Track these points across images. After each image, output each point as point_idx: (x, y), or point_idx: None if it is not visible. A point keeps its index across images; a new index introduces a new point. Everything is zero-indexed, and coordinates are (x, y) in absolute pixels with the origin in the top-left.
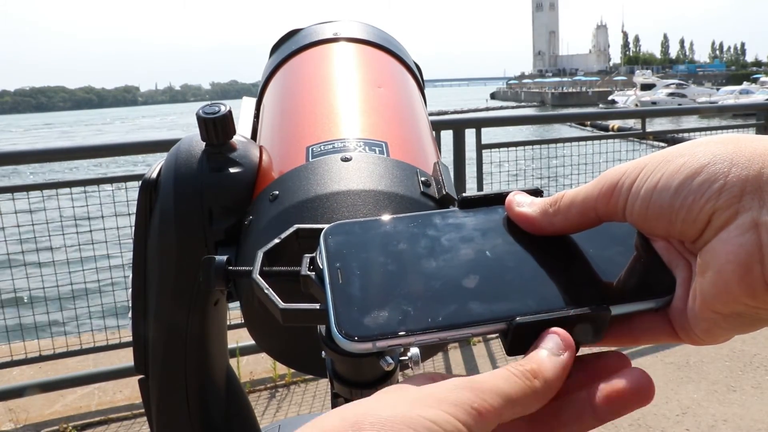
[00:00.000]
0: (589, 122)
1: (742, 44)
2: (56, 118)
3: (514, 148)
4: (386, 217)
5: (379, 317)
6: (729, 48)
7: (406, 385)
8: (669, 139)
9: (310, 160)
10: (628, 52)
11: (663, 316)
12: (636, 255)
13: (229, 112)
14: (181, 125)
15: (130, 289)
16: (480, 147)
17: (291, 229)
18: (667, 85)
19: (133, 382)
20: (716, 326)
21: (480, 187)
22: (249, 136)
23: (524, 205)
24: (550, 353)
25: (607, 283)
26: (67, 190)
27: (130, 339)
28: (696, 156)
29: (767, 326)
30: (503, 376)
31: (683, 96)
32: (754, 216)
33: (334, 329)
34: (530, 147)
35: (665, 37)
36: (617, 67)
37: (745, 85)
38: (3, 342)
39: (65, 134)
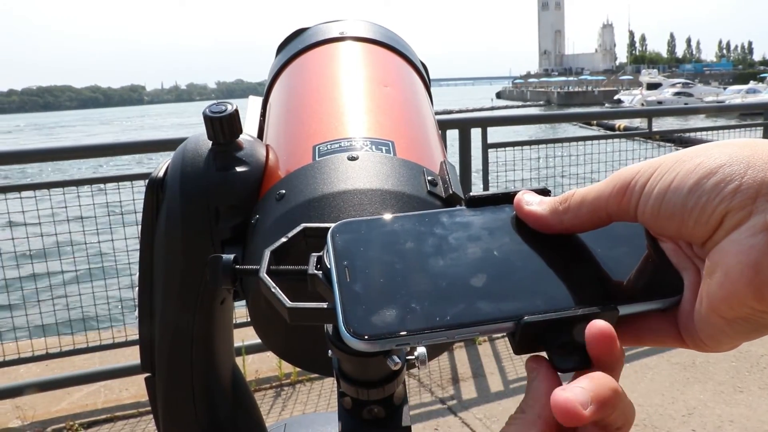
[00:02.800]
0: (595, 122)
1: (749, 43)
2: (62, 116)
3: (519, 148)
4: (394, 216)
5: (386, 315)
6: (736, 47)
7: None
8: (676, 138)
9: (317, 159)
10: (634, 52)
11: (670, 319)
12: (644, 255)
13: (236, 111)
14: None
15: (137, 288)
16: (486, 146)
17: (298, 228)
18: (674, 85)
19: (140, 380)
20: (721, 332)
21: (486, 186)
22: (255, 135)
23: (533, 203)
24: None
25: (615, 282)
26: (74, 188)
27: (137, 337)
28: (712, 157)
29: None
30: None
31: (690, 95)
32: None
33: (342, 327)
34: (536, 146)
35: (672, 36)
36: (623, 67)
37: (752, 84)
38: (10, 340)
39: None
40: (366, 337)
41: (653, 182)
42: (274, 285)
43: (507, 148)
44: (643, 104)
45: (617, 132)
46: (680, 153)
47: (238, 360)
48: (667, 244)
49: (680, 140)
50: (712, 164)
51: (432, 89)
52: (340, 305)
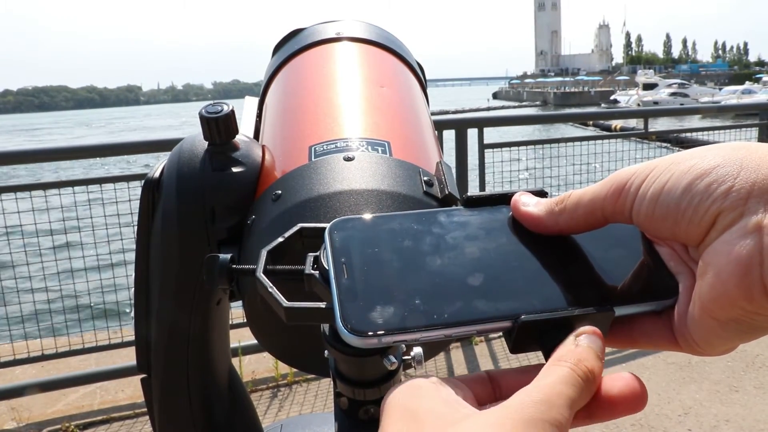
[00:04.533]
0: (591, 122)
1: (745, 44)
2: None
3: (516, 148)
4: (392, 214)
5: (384, 313)
6: (732, 48)
7: (478, 414)
8: (672, 139)
9: (313, 159)
10: (630, 52)
11: (665, 322)
12: (639, 257)
13: (232, 111)
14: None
15: (133, 288)
16: (482, 147)
17: (295, 228)
18: (670, 85)
19: (135, 381)
20: (714, 334)
21: (482, 187)
22: (252, 135)
23: (530, 204)
24: (598, 356)
25: (611, 284)
26: (69, 189)
27: (132, 338)
28: (706, 158)
29: (765, 335)
30: (569, 380)
31: (685, 96)
32: (759, 219)
33: (340, 324)
34: (532, 147)
35: (668, 36)
36: (619, 67)
37: (748, 84)
38: (5, 341)
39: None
40: (363, 333)
41: (648, 184)
42: (271, 285)
43: (503, 149)
44: (639, 105)
45: (613, 132)
46: (676, 155)
47: (235, 361)
48: (664, 248)
49: (676, 140)
50: (706, 166)
51: (428, 89)
52: (338, 301)
